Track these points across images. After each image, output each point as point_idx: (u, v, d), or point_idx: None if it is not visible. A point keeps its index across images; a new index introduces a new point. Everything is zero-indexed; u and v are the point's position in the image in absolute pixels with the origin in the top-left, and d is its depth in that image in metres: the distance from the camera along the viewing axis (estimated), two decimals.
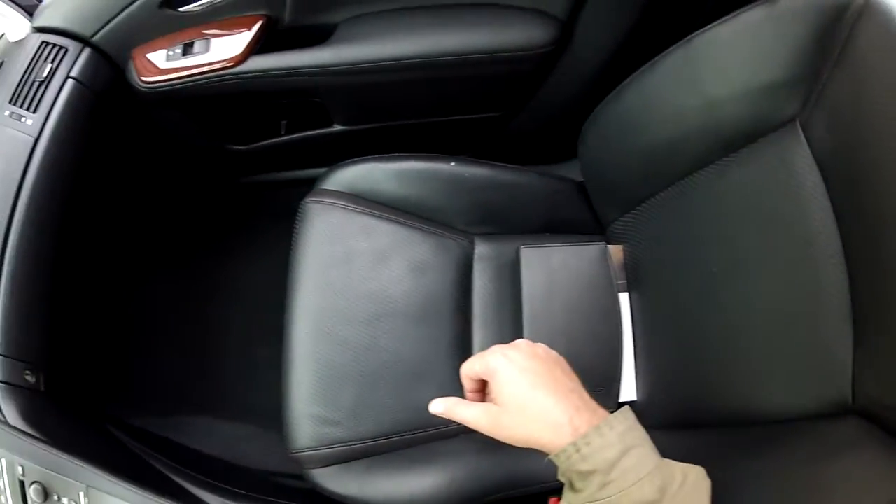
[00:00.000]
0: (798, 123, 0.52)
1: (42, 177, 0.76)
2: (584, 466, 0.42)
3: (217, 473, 0.83)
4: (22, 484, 0.61)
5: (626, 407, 0.45)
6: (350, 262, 0.76)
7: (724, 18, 0.55)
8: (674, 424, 0.67)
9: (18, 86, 0.76)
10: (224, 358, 1.14)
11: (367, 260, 0.76)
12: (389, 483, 0.73)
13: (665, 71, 0.62)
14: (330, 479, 0.74)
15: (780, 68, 0.52)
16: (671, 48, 0.60)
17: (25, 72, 0.78)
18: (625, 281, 0.77)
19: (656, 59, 0.62)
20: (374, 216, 0.77)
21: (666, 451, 0.44)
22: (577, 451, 0.42)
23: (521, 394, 0.46)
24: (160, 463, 0.84)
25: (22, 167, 0.73)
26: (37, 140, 0.74)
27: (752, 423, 0.56)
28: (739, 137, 0.57)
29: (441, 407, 0.53)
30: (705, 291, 0.62)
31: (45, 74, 0.77)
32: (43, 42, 0.76)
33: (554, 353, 0.50)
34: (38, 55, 0.76)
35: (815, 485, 0.46)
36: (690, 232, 0.65)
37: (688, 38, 0.59)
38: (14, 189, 0.72)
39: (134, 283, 1.16)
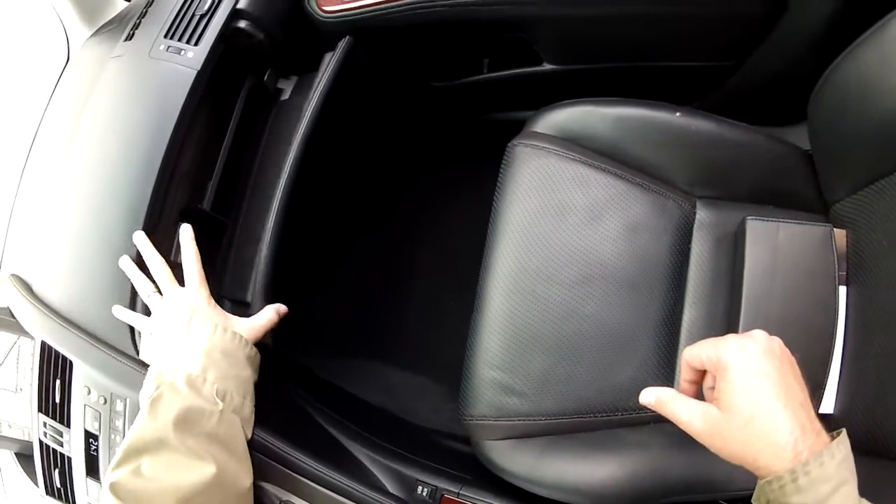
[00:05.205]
0: None
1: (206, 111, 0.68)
2: (795, 499, 0.37)
3: (376, 426, 0.79)
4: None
5: (844, 432, 0.40)
6: (563, 216, 0.67)
7: None
8: (865, 450, 0.57)
9: (175, 20, 0.69)
10: (407, 302, 1.07)
11: (580, 215, 0.67)
12: (564, 466, 0.66)
13: None
14: (501, 454, 0.68)
15: None
16: None
17: (183, 5, 0.70)
18: (845, 272, 0.67)
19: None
20: (590, 165, 0.68)
21: None
22: (794, 480, 0.38)
23: (752, 404, 0.40)
24: (313, 409, 0.77)
25: (182, 100, 0.65)
26: (200, 73, 0.66)
27: None
28: None
29: (652, 398, 0.46)
30: None
31: (206, 7, 0.70)
32: None
33: (787, 351, 0.43)
34: None
35: None
36: None
37: None
38: (173, 122, 0.64)
39: (322, 220, 1.06)
